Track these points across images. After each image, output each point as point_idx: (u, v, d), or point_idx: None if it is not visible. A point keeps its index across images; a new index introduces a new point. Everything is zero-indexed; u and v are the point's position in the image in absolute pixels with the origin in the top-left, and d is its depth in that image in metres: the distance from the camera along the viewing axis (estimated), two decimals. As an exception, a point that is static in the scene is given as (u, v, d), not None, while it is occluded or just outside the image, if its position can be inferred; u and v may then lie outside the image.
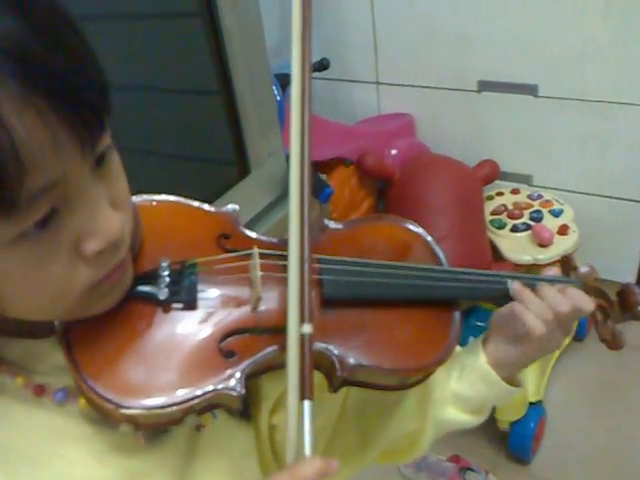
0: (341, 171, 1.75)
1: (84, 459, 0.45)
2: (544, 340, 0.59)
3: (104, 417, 0.44)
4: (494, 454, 1.62)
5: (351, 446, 0.65)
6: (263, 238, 0.55)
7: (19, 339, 0.46)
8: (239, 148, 1.38)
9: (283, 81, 1.56)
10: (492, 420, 1.55)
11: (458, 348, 0.65)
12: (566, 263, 0.65)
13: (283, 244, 0.54)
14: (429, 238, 0.61)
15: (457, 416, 0.63)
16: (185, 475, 0.50)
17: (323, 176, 1.58)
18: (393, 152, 1.87)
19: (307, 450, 0.43)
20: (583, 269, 0.64)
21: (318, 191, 1.48)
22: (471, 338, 0.67)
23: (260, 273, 0.50)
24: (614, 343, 0.62)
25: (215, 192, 1.34)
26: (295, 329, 0.46)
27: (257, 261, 0.50)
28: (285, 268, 0.50)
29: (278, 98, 1.49)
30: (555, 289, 0.59)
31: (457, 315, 0.57)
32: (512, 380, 0.63)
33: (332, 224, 0.60)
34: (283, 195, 1.52)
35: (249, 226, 0.55)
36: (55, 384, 0.46)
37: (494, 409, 1.47)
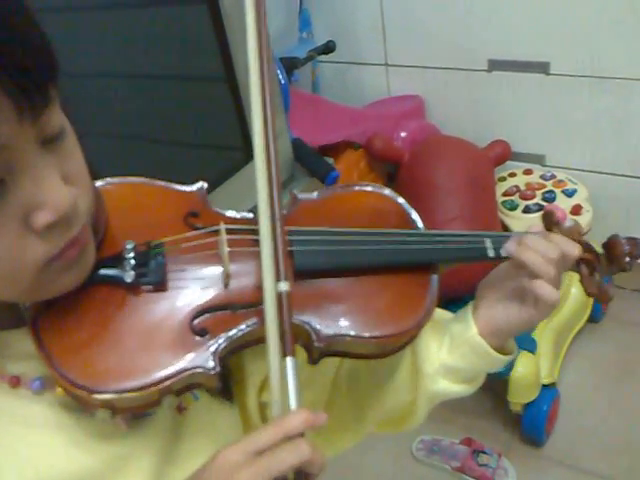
0: (349, 154, 1.74)
1: (63, 447, 0.45)
2: (539, 302, 0.57)
3: (80, 404, 0.44)
4: (507, 436, 1.61)
5: (346, 419, 0.65)
6: (233, 214, 0.55)
7: None
8: (243, 133, 1.38)
9: (287, 65, 1.55)
10: (505, 402, 1.54)
11: (449, 315, 0.64)
12: (548, 218, 0.63)
13: (254, 220, 0.53)
14: (404, 203, 0.60)
15: (450, 387, 0.62)
16: (170, 457, 0.50)
17: (330, 160, 1.57)
18: (402, 134, 1.85)
19: (293, 404, 0.43)
20: (568, 223, 0.62)
21: (324, 175, 1.47)
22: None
23: (227, 249, 0.49)
24: (602, 296, 0.61)
25: (220, 177, 1.34)
26: (271, 289, 0.46)
27: (224, 237, 0.50)
28: (255, 242, 0.49)
29: (282, 82, 1.49)
30: (539, 237, 0.58)
31: (435, 278, 0.56)
32: (504, 348, 0.61)
33: (303, 195, 0.58)
34: (289, 179, 1.52)
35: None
36: (31, 373, 0.46)
37: (507, 391, 1.48)
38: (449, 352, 0.61)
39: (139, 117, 1.38)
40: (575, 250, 0.57)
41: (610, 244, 0.62)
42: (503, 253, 0.58)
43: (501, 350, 0.61)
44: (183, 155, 1.41)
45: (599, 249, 0.64)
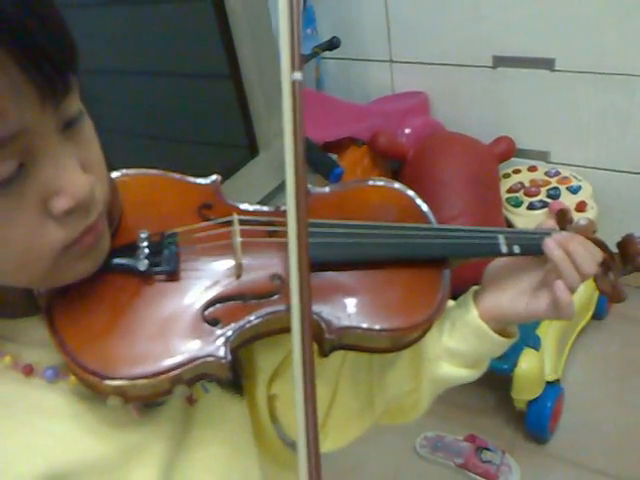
0: (353, 151, 1.73)
1: (77, 436, 0.46)
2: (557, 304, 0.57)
3: (93, 391, 0.45)
4: (511, 433, 1.61)
5: (352, 410, 0.65)
6: (247, 206, 0.55)
7: (3, 319, 0.46)
8: (247, 130, 1.38)
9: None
10: (509, 399, 1.55)
11: (450, 302, 0.64)
12: (562, 216, 0.63)
13: (269, 211, 0.54)
14: (417, 199, 0.60)
15: (453, 371, 0.63)
16: (181, 446, 0.51)
17: (334, 156, 1.57)
18: (407, 131, 1.84)
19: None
20: (582, 221, 0.62)
21: (328, 171, 1.47)
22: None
23: (240, 239, 0.50)
24: (615, 295, 0.61)
25: (225, 173, 1.34)
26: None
27: (237, 227, 0.50)
28: (268, 233, 0.50)
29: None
30: (580, 244, 0.58)
31: (447, 273, 0.56)
32: (505, 331, 0.62)
33: (316, 189, 0.59)
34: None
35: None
36: (44, 362, 0.46)
37: (511, 388, 1.48)
38: (450, 335, 0.62)
39: (142, 114, 1.38)
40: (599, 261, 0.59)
41: (625, 243, 0.62)
42: (516, 250, 0.58)
43: (502, 333, 0.61)
44: (187, 151, 1.41)
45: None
